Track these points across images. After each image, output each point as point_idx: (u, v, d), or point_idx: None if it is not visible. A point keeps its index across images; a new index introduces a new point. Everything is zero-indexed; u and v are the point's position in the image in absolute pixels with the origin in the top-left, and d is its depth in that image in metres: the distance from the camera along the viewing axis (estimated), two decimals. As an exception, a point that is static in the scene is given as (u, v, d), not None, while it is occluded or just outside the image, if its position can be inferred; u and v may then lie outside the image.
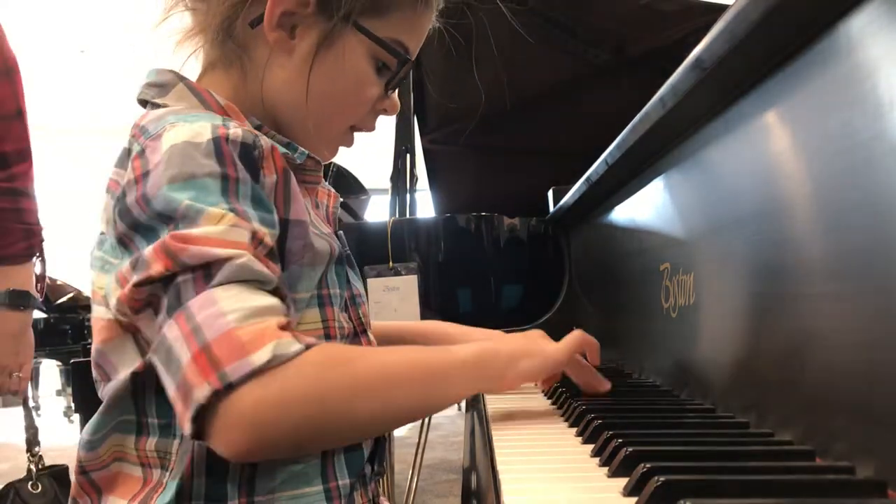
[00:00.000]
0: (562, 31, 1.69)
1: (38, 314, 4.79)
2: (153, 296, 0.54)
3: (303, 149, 0.69)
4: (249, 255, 0.52)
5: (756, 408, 0.60)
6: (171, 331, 0.50)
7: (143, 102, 0.69)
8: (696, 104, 0.67)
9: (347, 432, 0.57)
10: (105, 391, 0.64)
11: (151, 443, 0.62)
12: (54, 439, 4.54)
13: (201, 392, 0.47)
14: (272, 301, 0.52)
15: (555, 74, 1.79)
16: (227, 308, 0.49)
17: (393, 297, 1.41)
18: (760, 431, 0.57)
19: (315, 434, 0.53)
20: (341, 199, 0.79)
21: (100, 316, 0.63)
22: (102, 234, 0.64)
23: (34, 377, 5.01)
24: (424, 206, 2.10)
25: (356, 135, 0.76)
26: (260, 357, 0.48)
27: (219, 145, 0.57)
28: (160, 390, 0.57)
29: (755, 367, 0.60)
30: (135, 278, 0.53)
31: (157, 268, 0.52)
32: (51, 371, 4.97)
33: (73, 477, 0.68)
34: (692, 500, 0.39)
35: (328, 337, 0.66)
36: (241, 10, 0.67)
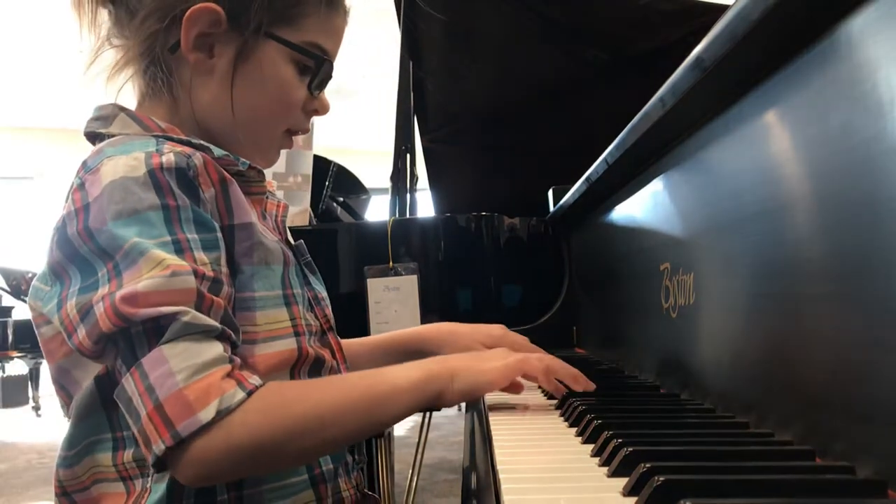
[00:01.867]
0: (562, 31, 1.69)
1: (38, 314, 4.77)
2: (109, 342, 0.59)
3: (244, 159, 0.72)
4: (193, 311, 0.57)
5: (756, 408, 0.60)
6: (129, 384, 0.57)
7: (91, 137, 0.72)
8: (696, 104, 0.66)
9: (289, 465, 0.66)
10: (72, 406, 0.67)
11: (129, 454, 0.64)
12: (54, 439, 4.54)
13: (158, 447, 0.55)
14: (216, 351, 0.58)
15: (555, 74, 1.79)
16: (175, 367, 0.55)
17: (393, 297, 1.41)
18: (760, 431, 0.57)
19: (258, 469, 0.63)
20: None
21: (50, 336, 0.67)
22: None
23: (34, 377, 5.00)
24: (424, 206, 2.10)
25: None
26: (206, 414, 0.55)
27: (155, 177, 0.61)
28: None
29: (755, 368, 0.60)
30: (86, 331, 0.58)
31: (107, 325, 0.57)
32: (51, 371, 4.96)
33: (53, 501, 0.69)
34: (692, 500, 0.39)
35: (297, 335, 0.70)
36: (159, 38, 0.70)
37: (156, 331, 0.57)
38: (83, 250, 0.60)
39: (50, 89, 5.94)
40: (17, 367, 5.88)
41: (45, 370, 5.52)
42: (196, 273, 0.59)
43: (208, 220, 0.63)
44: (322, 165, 2.24)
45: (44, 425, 4.96)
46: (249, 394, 0.57)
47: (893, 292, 0.41)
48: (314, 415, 0.60)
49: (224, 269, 0.63)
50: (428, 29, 1.73)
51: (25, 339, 4.36)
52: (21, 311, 4.87)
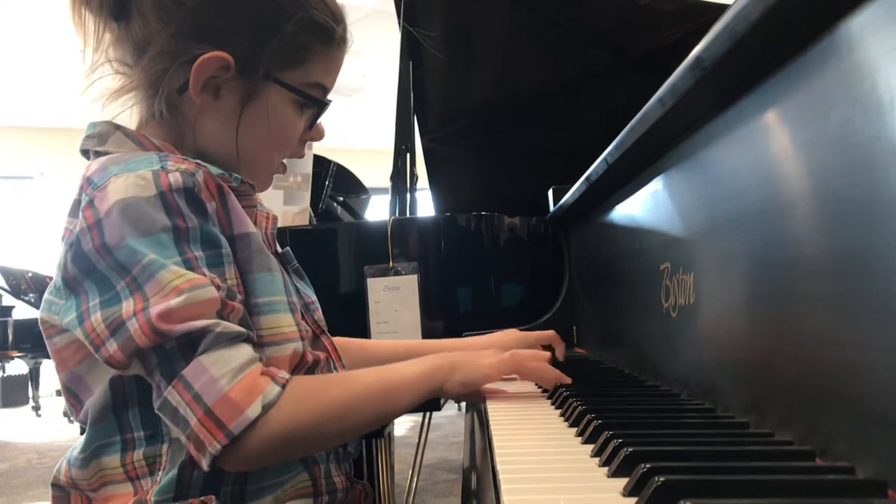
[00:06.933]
0: (561, 31, 1.69)
1: (37, 314, 4.77)
2: (140, 354, 0.62)
3: (236, 175, 0.74)
4: (222, 321, 0.61)
5: (756, 408, 0.60)
6: (173, 396, 0.60)
7: (85, 153, 0.74)
8: (695, 104, 0.66)
9: (317, 449, 0.72)
10: (84, 411, 0.69)
11: (139, 454, 0.67)
12: (54, 439, 4.54)
13: (214, 448, 0.60)
14: (247, 353, 0.63)
15: (555, 74, 1.79)
16: (217, 374, 0.60)
17: (393, 297, 1.41)
18: (760, 431, 0.57)
19: (294, 453, 0.69)
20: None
21: (65, 344, 0.69)
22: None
23: (34, 377, 5.00)
24: (424, 206, 2.10)
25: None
26: (253, 411, 0.60)
27: (166, 199, 0.63)
28: (143, 401, 0.66)
29: (755, 367, 0.60)
30: (118, 345, 0.61)
31: (144, 340, 0.60)
32: (51, 371, 4.97)
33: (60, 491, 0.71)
34: (692, 500, 0.39)
35: (302, 339, 0.73)
36: (165, 78, 0.71)
37: (190, 344, 0.60)
38: (101, 266, 0.63)
39: (50, 89, 5.93)
40: (17, 367, 5.89)
41: (46, 370, 5.50)
42: (213, 282, 0.63)
43: (216, 237, 0.66)
44: (322, 165, 2.24)
45: (44, 425, 4.96)
46: (283, 387, 0.62)
47: (893, 292, 0.41)
48: (338, 404, 0.67)
49: (233, 280, 0.66)
50: (428, 28, 1.73)
51: (25, 339, 4.36)
52: (21, 311, 4.87)
